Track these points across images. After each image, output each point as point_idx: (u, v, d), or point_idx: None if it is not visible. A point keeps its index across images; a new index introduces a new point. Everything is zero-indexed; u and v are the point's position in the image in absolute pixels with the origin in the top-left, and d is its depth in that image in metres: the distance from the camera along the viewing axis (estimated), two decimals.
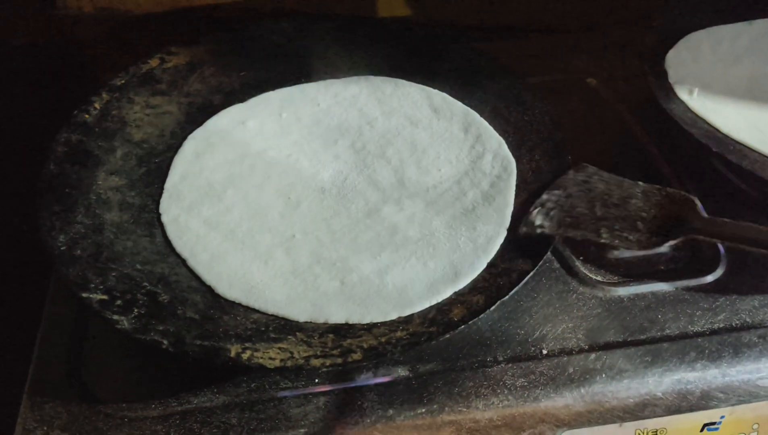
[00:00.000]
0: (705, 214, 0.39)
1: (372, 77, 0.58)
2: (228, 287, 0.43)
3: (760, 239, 0.38)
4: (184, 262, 0.45)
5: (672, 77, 0.57)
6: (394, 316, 0.42)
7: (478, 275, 0.44)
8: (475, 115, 0.54)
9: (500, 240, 0.46)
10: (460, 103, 0.55)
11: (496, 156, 0.51)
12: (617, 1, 0.67)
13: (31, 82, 0.59)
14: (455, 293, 0.43)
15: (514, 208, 0.48)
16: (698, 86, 0.56)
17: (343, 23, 0.61)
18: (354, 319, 0.42)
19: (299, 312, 0.42)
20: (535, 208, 0.45)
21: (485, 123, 0.54)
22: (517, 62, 0.59)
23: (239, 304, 0.43)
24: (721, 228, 0.39)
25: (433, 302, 0.42)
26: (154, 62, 0.56)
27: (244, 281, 0.44)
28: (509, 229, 0.46)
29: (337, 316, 0.42)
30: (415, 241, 0.46)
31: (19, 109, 0.58)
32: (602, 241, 0.39)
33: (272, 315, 0.42)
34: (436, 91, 0.56)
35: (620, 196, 0.42)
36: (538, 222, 0.42)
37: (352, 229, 0.47)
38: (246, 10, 0.65)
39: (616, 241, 0.38)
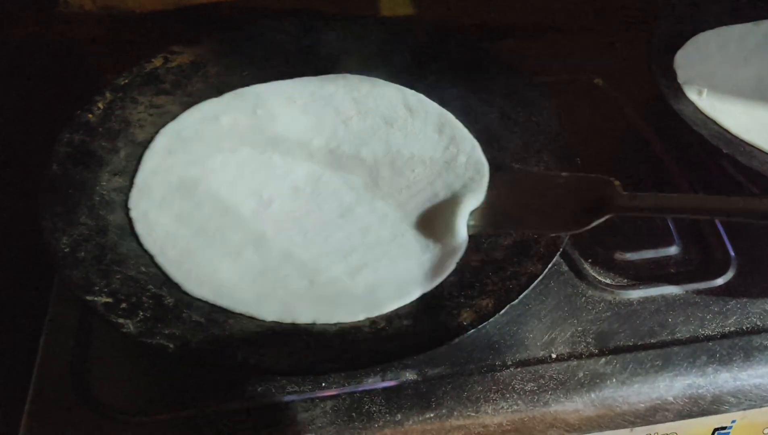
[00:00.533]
0: (622, 191, 0.41)
1: (349, 76, 0.57)
2: (196, 285, 0.42)
3: (679, 207, 0.41)
4: (152, 258, 0.44)
5: (681, 77, 0.56)
6: (362, 317, 0.41)
7: (487, 279, 0.43)
8: (449, 116, 0.54)
9: (465, 245, 0.45)
10: (435, 104, 0.55)
11: (469, 158, 0.51)
12: (625, 1, 0.67)
13: (33, 82, 0.59)
14: (463, 297, 0.42)
15: None
16: (707, 87, 0.55)
17: (346, 22, 0.61)
18: (322, 320, 0.41)
19: (267, 311, 0.41)
20: None
21: (460, 124, 0.53)
22: (523, 62, 0.58)
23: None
24: (640, 201, 0.41)
25: (401, 304, 0.42)
26: (157, 62, 0.55)
27: (212, 279, 0.43)
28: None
29: (305, 317, 0.41)
30: (386, 242, 0.45)
31: (21, 108, 0.57)
32: (530, 230, 0.41)
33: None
34: (412, 91, 0.56)
35: (545, 187, 0.44)
36: (469, 222, 0.43)
37: (324, 228, 0.46)
38: (249, 9, 0.64)
39: (545, 229, 0.40)
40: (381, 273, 0.43)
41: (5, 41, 0.59)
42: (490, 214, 0.46)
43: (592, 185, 0.43)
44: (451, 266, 0.44)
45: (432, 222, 0.46)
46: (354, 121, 0.54)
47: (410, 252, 0.45)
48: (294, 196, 0.48)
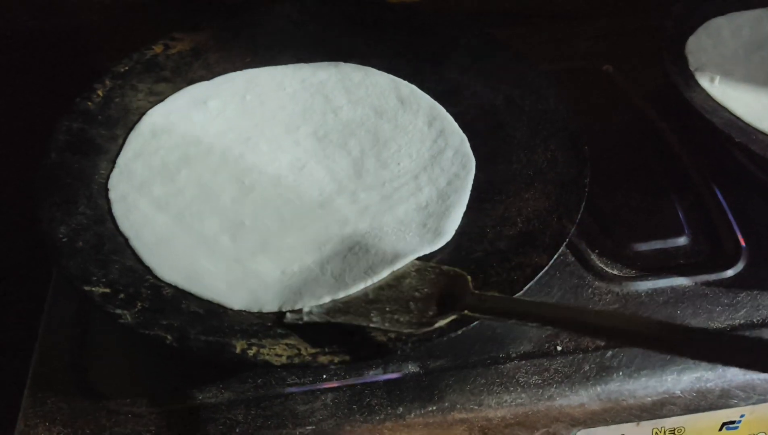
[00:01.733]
0: (473, 290, 0.39)
1: (342, 64, 0.56)
2: (168, 271, 0.42)
3: (522, 312, 0.37)
4: (126, 241, 0.43)
5: (692, 64, 0.55)
6: (327, 300, 0.41)
7: (491, 269, 0.42)
8: (440, 110, 0.53)
9: (447, 237, 0.45)
10: (427, 96, 0.54)
11: (456, 153, 0.50)
12: None
13: (33, 69, 0.58)
14: None
15: (523, 202, 0.47)
16: (719, 74, 0.54)
17: (350, 8, 0.60)
18: (286, 307, 0.41)
19: (235, 300, 0.41)
20: None
21: (450, 118, 0.52)
22: (531, 49, 0.57)
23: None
24: (485, 303, 0.38)
25: (368, 283, 0.41)
26: (157, 48, 0.55)
27: (185, 266, 0.42)
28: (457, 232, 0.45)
29: (271, 305, 0.41)
30: (362, 233, 0.45)
31: (20, 96, 0.57)
32: (372, 325, 0.38)
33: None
34: (405, 82, 0.55)
35: (394, 276, 0.42)
36: (306, 309, 0.41)
37: (302, 218, 0.46)
38: None
39: (387, 324, 0.38)
40: (350, 260, 0.43)
41: (4, 29, 0.58)
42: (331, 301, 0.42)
43: (444, 278, 0.41)
44: (423, 252, 0.43)
45: (412, 219, 0.46)
46: (344, 110, 0.53)
47: (384, 242, 0.44)
48: (276, 184, 0.48)
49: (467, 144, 0.51)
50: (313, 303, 0.41)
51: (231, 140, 0.50)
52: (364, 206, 0.47)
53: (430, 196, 0.47)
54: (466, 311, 0.38)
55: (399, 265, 0.42)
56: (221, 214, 0.46)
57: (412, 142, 0.51)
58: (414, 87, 0.55)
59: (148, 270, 0.42)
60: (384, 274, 0.42)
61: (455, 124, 0.52)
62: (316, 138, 0.51)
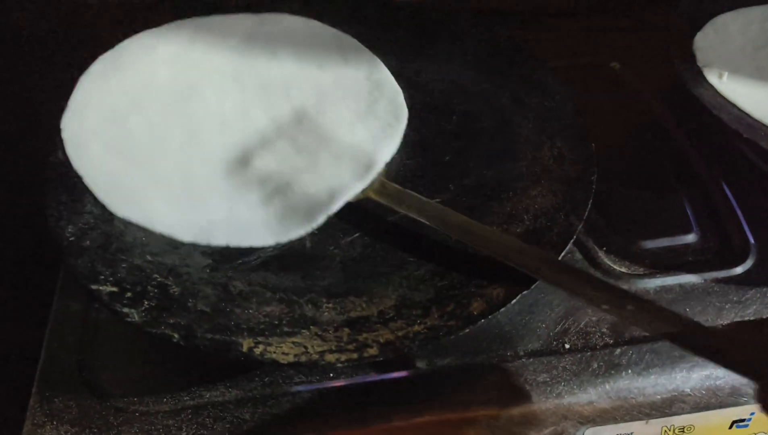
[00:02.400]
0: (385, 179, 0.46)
1: (288, 16, 0.57)
2: (122, 207, 0.44)
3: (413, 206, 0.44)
4: (80, 179, 0.45)
5: (700, 61, 0.55)
6: (272, 243, 0.44)
7: (497, 268, 0.42)
8: (379, 63, 0.55)
9: (378, 168, 0.47)
10: (368, 51, 0.55)
11: (390, 103, 0.52)
12: None
13: (37, 68, 0.58)
14: (474, 286, 0.41)
15: (530, 199, 0.46)
16: (727, 70, 0.54)
17: (356, 5, 0.60)
18: (233, 243, 0.43)
19: (185, 233, 0.44)
20: None
21: (387, 71, 0.54)
22: (537, 46, 0.57)
23: (250, 295, 0.42)
24: (387, 190, 0.46)
25: (309, 230, 0.44)
26: None
27: (137, 202, 0.44)
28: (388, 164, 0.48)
29: (218, 240, 0.43)
30: (301, 170, 0.47)
31: (25, 95, 0.57)
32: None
33: (285, 308, 0.41)
34: (348, 36, 0.56)
35: None
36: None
37: (245, 159, 0.48)
38: None
39: None
40: (291, 200, 0.45)
41: (9, 28, 0.58)
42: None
43: None
44: (358, 189, 0.46)
45: (346, 154, 0.48)
46: (287, 61, 0.54)
47: (321, 179, 0.46)
48: (221, 129, 0.50)
49: (401, 96, 0.52)
50: (260, 244, 0.43)
51: (179, 86, 0.52)
52: (303, 146, 0.49)
53: (363, 137, 0.49)
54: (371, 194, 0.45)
55: (334, 208, 0.45)
56: (171, 157, 0.48)
57: (349, 92, 0.52)
58: (357, 42, 0.56)
59: (155, 269, 0.42)
60: (321, 219, 0.44)
61: (392, 78, 0.54)
62: (260, 86, 0.53)
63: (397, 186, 0.46)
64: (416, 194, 0.44)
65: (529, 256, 0.40)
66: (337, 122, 0.50)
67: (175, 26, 0.55)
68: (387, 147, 0.49)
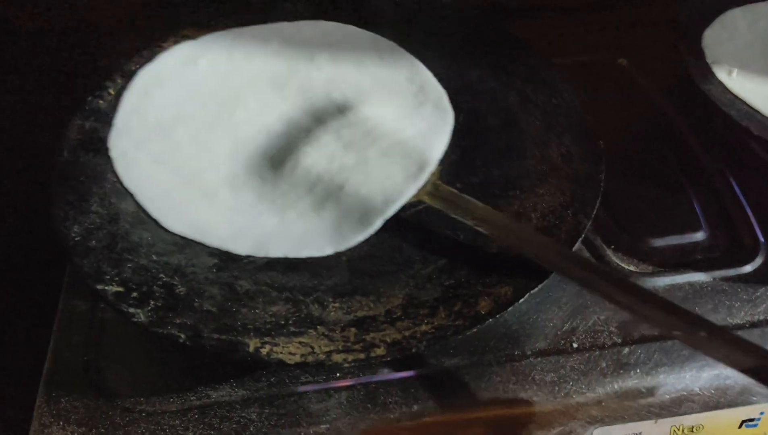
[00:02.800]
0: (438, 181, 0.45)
1: (323, 22, 0.57)
2: (173, 221, 0.44)
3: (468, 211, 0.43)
4: (132, 196, 0.45)
5: (709, 57, 0.54)
6: (330, 252, 0.43)
7: (505, 266, 0.42)
8: (420, 66, 0.54)
9: (431, 167, 0.46)
10: (407, 53, 0.55)
11: (436, 107, 0.51)
12: None
13: (44, 69, 0.58)
14: (481, 285, 0.41)
15: (538, 197, 0.46)
16: (736, 66, 0.53)
17: (361, 4, 0.59)
18: (291, 255, 0.43)
19: (241, 246, 0.43)
20: None
21: (429, 74, 0.54)
22: (543, 43, 0.57)
23: (256, 295, 0.41)
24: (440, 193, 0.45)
25: (366, 235, 0.43)
26: (167, 46, 0.54)
27: (189, 217, 0.44)
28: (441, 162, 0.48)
29: (276, 252, 0.43)
30: (350, 168, 0.46)
31: (33, 95, 0.57)
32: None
33: (292, 308, 0.41)
34: (385, 39, 0.56)
35: None
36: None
37: (292, 162, 0.47)
38: None
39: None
40: (344, 204, 0.45)
41: (15, 28, 0.58)
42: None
43: None
44: (411, 192, 0.45)
45: (396, 151, 0.47)
46: (327, 65, 0.54)
47: (372, 178, 0.46)
48: (267, 137, 0.50)
49: (446, 98, 0.52)
50: (317, 254, 0.43)
51: (222, 96, 0.52)
52: (349, 141, 0.48)
53: (411, 134, 0.49)
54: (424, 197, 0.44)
55: (390, 213, 0.44)
56: (218, 168, 0.47)
57: (393, 94, 0.52)
58: (395, 44, 0.56)
59: (160, 269, 0.42)
60: (378, 224, 0.44)
61: (435, 80, 0.53)
62: (302, 90, 0.53)
63: (451, 189, 0.45)
64: (472, 199, 0.43)
65: (607, 279, 0.38)
66: (384, 120, 0.50)
67: (213, 38, 0.55)
68: (438, 145, 0.48)
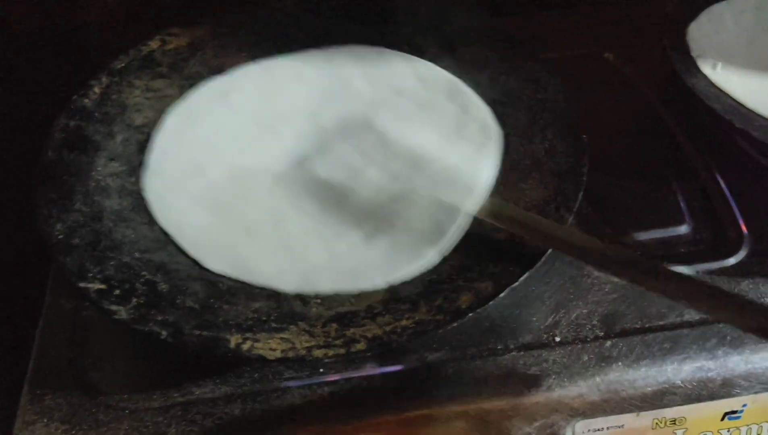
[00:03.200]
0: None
1: (357, 47, 0.56)
2: (215, 261, 0.43)
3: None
4: (169, 238, 0.44)
5: (694, 51, 0.54)
6: (382, 285, 0.41)
7: (487, 261, 0.42)
8: (460, 84, 0.53)
9: (481, 192, 0.45)
10: (445, 72, 0.54)
11: (482, 126, 0.50)
12: None
13: (29, 67, 0.58)
14: (463, 280, 0.41)
15: (521, 192, 0.46)
16: (721, 60, 0.53)
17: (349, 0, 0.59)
18: (342, 289, 0.41)
19: (287, 283, 0.41)
20: None
21: (471, 91, 0.53)
22: (528, 37, 0.57)
23: (238, 291, 0.41)
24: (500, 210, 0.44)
25: (420, 269, 0.42)
26: (154, 44, 0.55)
27: (231, 254, 0.43)
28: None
29: (324, 287, 0.41)
30: (398, 199, 0.45)
31: (17, 94, 0.57)
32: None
33: (273, 304, 0.41)
34: (422, 60, 0.55)
35: None
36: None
37: (337, 196, 0.46)
38: None
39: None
40: (395, 235, 0.43)
41: (2, 27, 0.58)
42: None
43: None
44: (466, 220, 0.43)
45: (444, 178, 0.46)
46: (364, 91, 0.53)
47: (422, 209, 0.44)
48: (307, 169, 0.48)
49: (491, 116, 0.50)
50: (368, 287, 0.41)
51: (255, 131, 0.50)
52: (395, 174, 0.47)
53: (458, 159, 0.47)
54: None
55: (442, 245, 0.42)
56: (258, 205, 0.46)
57: (434, 116, 0.51)
58: (430, 64, 0.54)
59: (143, 266, 0.42)
60: (431, 255, 0.42)
61: (477, 97, 0.52)
62: (340, 120, 0.51)
63: (511, 206, 0.44)
64: (536, 215, 0.43)
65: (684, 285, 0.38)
66: (429, 146, 0.49)
67: (243, 72, 0.54)
68: (486, 167, 0.47)
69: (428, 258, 0.42)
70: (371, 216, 0.45)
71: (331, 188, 0.47)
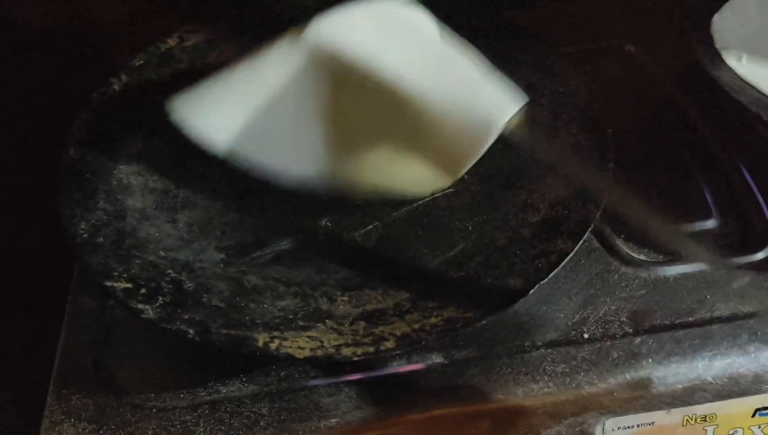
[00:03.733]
0: None
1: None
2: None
3: None
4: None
5: (718, 42, 0.53)
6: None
7: (515, 258, 0.42)
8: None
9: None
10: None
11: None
12: None
13: (48, 66, 0.58)
14: (490, 277, 0.41)
15: (546, 187, 0.46)
16: (746, 51, 0.52)
17: None
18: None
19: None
20: None
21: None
22: (549, 30, 0.56)
23: (264, 290, 0.41)
24: None
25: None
26: (172, 41, 0.54)
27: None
28: None
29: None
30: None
31: (38, 93, 0.57)
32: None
33: (300, 302, 0.40)
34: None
35: None
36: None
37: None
38: None
39: None
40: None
41: (19, 25, 0.58)
42: None
43: None
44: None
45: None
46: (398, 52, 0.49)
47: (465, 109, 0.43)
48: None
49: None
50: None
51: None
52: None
53: (489, 83, 0.45)
54: None
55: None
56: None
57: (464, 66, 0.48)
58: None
59: (168, 265, 0.42)
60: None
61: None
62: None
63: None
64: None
65: None
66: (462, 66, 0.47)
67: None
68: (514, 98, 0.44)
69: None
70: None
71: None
